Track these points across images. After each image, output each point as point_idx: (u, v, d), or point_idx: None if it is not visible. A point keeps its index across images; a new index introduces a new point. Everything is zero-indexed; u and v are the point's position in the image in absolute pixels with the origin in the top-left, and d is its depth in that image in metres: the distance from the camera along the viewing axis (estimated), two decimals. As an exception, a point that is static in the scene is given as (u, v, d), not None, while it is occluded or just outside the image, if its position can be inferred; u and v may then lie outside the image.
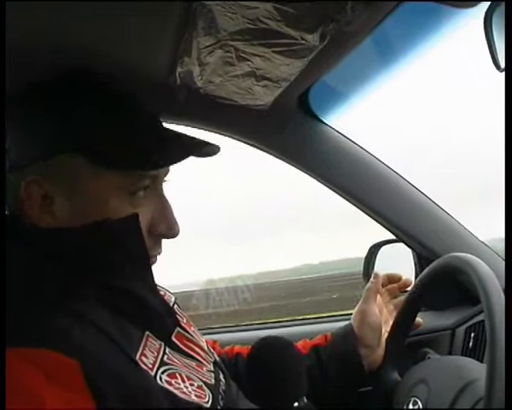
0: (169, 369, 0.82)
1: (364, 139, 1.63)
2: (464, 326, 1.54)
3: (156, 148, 0.87)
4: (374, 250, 1.79)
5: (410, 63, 1.32)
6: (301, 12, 0.93)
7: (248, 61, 1.10)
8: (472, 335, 1.46)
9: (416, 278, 1.60)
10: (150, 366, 0.79)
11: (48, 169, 0.84)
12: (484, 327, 1.36)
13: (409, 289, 1.36)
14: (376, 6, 0.98)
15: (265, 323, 2.01)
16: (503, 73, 0.82)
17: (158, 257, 0.94)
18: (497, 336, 0.88)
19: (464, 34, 1.16)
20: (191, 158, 0.89)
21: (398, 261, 1.75)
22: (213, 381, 0.91)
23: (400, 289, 1.41)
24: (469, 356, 1.38)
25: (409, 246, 1.68)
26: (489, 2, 0.86)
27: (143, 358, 0.79)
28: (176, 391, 0.79)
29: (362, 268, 1.80)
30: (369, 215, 1.61)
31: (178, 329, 0.94)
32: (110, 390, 0.69)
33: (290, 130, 1.52)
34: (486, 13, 0.86)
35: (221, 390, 0.92)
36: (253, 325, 2.00)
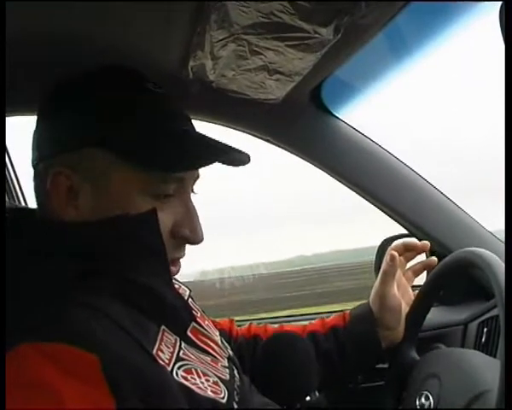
0: (185, 364, 0.82)
1: (376, 133, 1.63)
2: (477, 321, 1.53)
3: (180, 150, 0.87)
4: (386, 244, 1.79)
5: (422, 58, 1.31)
6: (315, 6, 0.92)
7: (261, 54, 1.10)
8: (485, 330, 1.46)
9: (428, 273, 1.60)
10: (167, 361, 0.79)
11: (74, 161, 0.85)
12: (497, 322, 1.35)
13: (421, 283, 1.35)
14: (389, 1, 0.98)
15: (276, 317, 2.02)
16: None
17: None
18: (512, 332, 0.88)
19: (477, 30, 1.16)
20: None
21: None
22: (228, 377, 0.91)
23: (418, 253, 1.39)
24: (482, 351, 1.37)
25: (421, 241, 1.67)
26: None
27: (160, 353, 0.79)
28: (192, 386, 0.79)
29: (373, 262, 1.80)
30: (381, 209, 1.61)
31: (194, 323, 0.94)
32: (128, 385, 0.68)
33: (302, 124, 1.52)
34: (502, 6, 0.85)
35: (236, 386, 0.92)
36: (264, 319, 2.00)
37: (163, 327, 0.84)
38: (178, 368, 0.80)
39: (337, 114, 1.54)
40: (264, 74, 1.19)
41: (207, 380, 0.83)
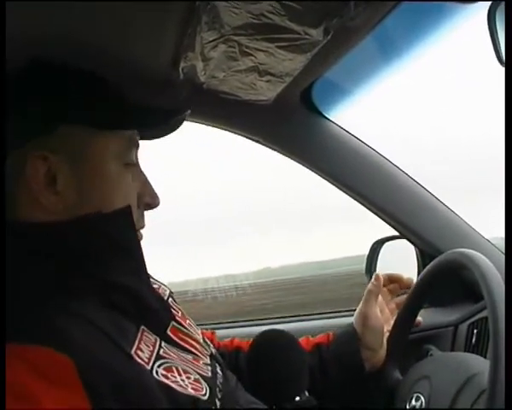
0: (165, 363, 0.82)
1: (367, 134, 1.63)
2: (467, 323, 1.54)
3: (138, 111, 0.94)
4: (376, 247, 1.79)
5: (412, 59, 1.32)
6: (305, 7, 0.92)
7: (252, 55, 1.10)
8: (475, 331, 1.46)
9: (418, 274, 1.61)
10: (146, 360, 0.79)
11: (52, 142, 0.86)
12: (487, 323, 1.36)
13: (410, 287, 1.36)
14: (379, 2, 0.98)
15: (264, 319, 2.01)
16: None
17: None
18: (501, 332, 0.88)
19: (467, 30, 1.16)
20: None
21: (401, 258, 1.75)
22: (210, 374, 0.91)
23: (402, 288, 1.41)
24: (472, 353, 1.38)
25: (411, 242, 1.68)
26: (492, -2, 0.86)
27: (139, 352, 0.79)
28: (172, 384, 0.79)
29: (364, 265, 1.81)
30: (371, 211, 1.61)
31: (173, 323, 0.94)
32: (105, 386, 0.68)
33: (293, 125, 1.52)
34: (490, 8, 0.86)
35: (218, 383, 0.92)
36: (251, 321, 2.00)
37: (142, 327, 0.84)
38: (158, 366, 0.80)
39: (327, 116, 1.55)
40: (255, 75, 1.19)
41: (188, 378, 0.83)
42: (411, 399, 1.11)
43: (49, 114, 0.87)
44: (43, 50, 1.04)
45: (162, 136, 1.01)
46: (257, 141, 1.53)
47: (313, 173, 1.57)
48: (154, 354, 0.82)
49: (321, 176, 1.57)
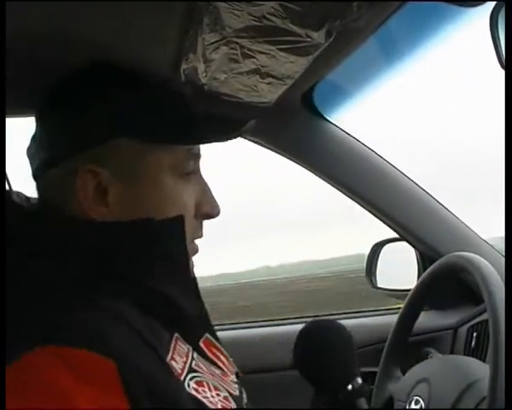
0: (197, 376, 0.80)
1: (368, 137, 1.63)
2: (467, 326, 1.54)
3: (199, 123, 0.89)
4: (377, 249, 1.79)
5: (414, 61, 1.32)
6: (307, 9, 0.92)
7: (253, 58, 1.09)
8: (474, 334, 1.46)
9: (418, 276, 1.61)
10: (179, 371, 0.77)
11: (101, 156, 0.82)
12: (487, 327, 1.36)
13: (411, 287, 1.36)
14: (382, 4, 0.98)
15: (265, 321, 2.01)
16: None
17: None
18: (501, 336, 0.88)
19: (469, 33, 1.16)
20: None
21: (401, 260, 1.75)
22: (238, 392, 0.89)
23: None
24: (472, 356, 1.38)
25: (412, 245, 1.68)
26: (495, 1, 0.86)
27: (173, 362, 0.77)
28: (203, 400, 0.77)
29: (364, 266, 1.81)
30: (372, 213, 1.61)
31: (207, 335, 0.93)
32: (143, 393, 0.67)
33: (294, 127, 1.52)
34: (492, 11, 0.86)
35: (244, 404, 0.90)
36: (254, 322, 2.00)
37: (176, 335, 0.83)
38: (190, 379, 0.78)
39: (329, 118, 1.55)
40: (257, 78, 1.19)
41: (218, 395, 0.80)
42: (411, 402, 1.11)
43: (103, 124, 0.84)
44: (44, 50, 1.05)
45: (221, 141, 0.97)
46: (258, 143, 1.53)
47: (314, 175, 1.57)
48: (187, 367, 0.80)
49: (322, 178, 1.57)
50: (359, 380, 0.90)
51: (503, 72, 0.82)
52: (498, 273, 1.00)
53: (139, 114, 0.85)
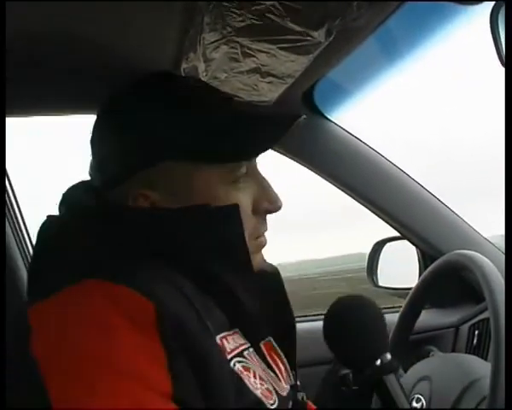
0: (244, 362, 0.80)
1: (368, 135, 1.63)
2: (468, 324, 1.54)
3: (248, 138, 0.88)
4: (378, 247, 1.79)
5: (414, 60, 1.32)
6: (307, 8, 0.92)
7: (253, 57, 1.10)
8: (476, 333, 1.46)
9: (420, 275, 1.61)
10: (228, 350, 0.77)
11: (152, 178, 0.84)
12: (488, 325, 1.36)
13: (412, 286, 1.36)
14: (382, 3, 0.98)
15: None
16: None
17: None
18: (502, 335, 0.88)
19: (469, 32, 1.16)
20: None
21: (403, 259, 1.75)
22: (285, 394, 0.88)
23: None
24: (473, 354, 1.38)
25: (413, 243, 1.68)
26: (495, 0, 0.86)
27: (224, 341, 0.78)
28: (244, 380, 0.77)
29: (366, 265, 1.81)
30: (373, 212, 1.61)
31: (271, 339, 0.93)
32: (180, 347, 0.68)
33: (294, 126, 1.52)
34: (493, 10, 0.86)
35: (289, 406, 0.89)
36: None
37: (236, 329, 0.83)
38: (238, 362, 0.78)
39: (329, 117, 1.55)
40: (257, 76, 1.19)
41: (262, 384, 0.80)
42: (412, 400, 1.11)
43: (152, 148, 0.85)
44: (44, 49, 1.05)
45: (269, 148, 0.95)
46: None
47: (315, 174, 1.57)
48: (237, 351, 0.80)
49: (322, 177, 1.57)
50: (388, 356, 0.89)
51: (503, 70, 0.82)
52: (499, 271, 1.00)
53: (187, 137, 0.85)
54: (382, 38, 1.18)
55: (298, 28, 0.98)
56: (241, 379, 0.76)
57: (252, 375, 0.79)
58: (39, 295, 0.73)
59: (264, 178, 0.92)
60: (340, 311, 0.94)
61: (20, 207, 1.79)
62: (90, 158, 0.91)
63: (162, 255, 0.80)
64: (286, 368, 0.94)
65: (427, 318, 1.62)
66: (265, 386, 0.81)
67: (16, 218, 1.74)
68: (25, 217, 1.80)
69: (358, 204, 1.62)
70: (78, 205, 0.87)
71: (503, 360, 0.85)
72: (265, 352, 0.89)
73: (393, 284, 1.76)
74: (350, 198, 1.61)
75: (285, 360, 0.94)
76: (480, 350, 1.40)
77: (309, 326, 1.70)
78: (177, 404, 0.65)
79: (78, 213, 0.85)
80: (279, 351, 0.94)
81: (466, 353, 1.48)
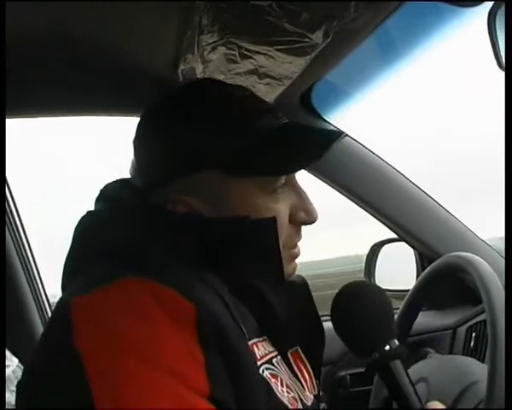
0: (273, 370, 0.81)
1: (366, 137, 1.63)
2: (465, 326, 1.54)
3: (288, 155, 0.88)
4: (376, 249, 1.79)
5: (412, 61, 1.32)
6: (305, 10, 0.92)
7: (251, 58, 1.10)
8: (473, 335, 1.46)
9: (417, 277, 1.60)
10: (258, 356, 0.79)
11: (192, 186, 0.84)
12: (485, 327, 1.36)
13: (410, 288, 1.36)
14: (379, 4, 0.98)
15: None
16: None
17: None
18: (499, 338, 0.88)
19: (467, 33, 1.16)
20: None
21: (400, 260, 1.75)
22: (310, 404, 0.88)
23: None
24: (470, 356, 1.38)
25: (410, 245, 1.68)
26: (492, 2, 0.86)
27: (255, 347, 0.79)
28: (272, 386, 0.78)
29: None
30: (371, 214, 1.61)
31: (298, 348, 0.93)
32: (216, 348, 0.69)
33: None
34: (490, 11, 0.86)
35: None
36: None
37: (265, 337, 0.84)
38: (266, 369, 0.79)
39: (327, 118, 1.55)
40: (255, 78, 1.19)
41: (288, 392, 0.81)
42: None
43: (192, 157, 0.85)
44: (44, 49, 1.05)
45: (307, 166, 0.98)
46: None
47: (312, 176, 1.57)
48: (266, 359, 0.81)
49: (320, 178, 1.57)
50: (396, 342, 0.88)
51: (500, 71, 0.82)
52: (497, 273, 1.00)
53: (227, 149, 0.85)
54: (380, 40, 1.18)
55: (295, 30, 0.98)
56: (269, 386, 0.77)
57: (279, 383, 0.80)
58: (79, 290, 0.74)
59: (302, 189, 0.92)
60: (348, 296, 0.93)
61: (19, 212, 1.80)
62: (132, 157, 0.91)
63: (203, 260, 0.81)
64: (311, 377, 0.94)
65: (425, 320, 1.62)
66: (292, 394, 0.82)
67: (16, 225, 1.74)
68: (24, 224, 1.80)
69: (355, 206, 1.62)
70: (121, 202, 0.88)
71: (499, 362, 0.85)
72: (292, 361, 0.90)
73: (391, 285, 1.76)
74: (347, 200, 1.61)
75: (310, 369, 0.95)
76: (477, 352, 1.40)
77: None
78: (214, 404, 0.66)
79: (121, 210, 0.86)
80: (305, 360, 0.94)
81: (463, 355, 1.47)
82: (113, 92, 1.29)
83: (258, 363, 0.78)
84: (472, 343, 1.45)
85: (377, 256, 1.78)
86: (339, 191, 1.59)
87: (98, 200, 0.90)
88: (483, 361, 1.19)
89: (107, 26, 1.02)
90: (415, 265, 1.70)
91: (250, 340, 0.78)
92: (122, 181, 0.93)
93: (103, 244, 0.82)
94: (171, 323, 0.68)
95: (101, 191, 0.91)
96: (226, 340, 0.71)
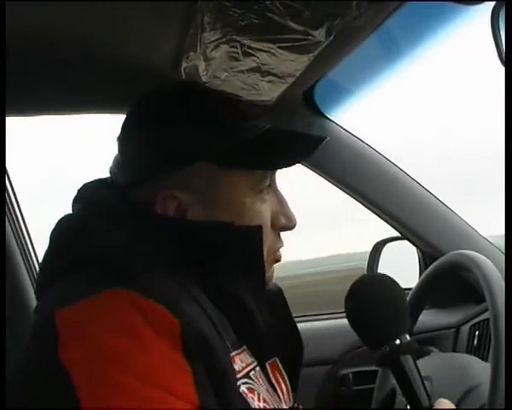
0: (250, 384, 0.81)
1: (368, 135, 1.63)
2: (469, 324, 1.54)
3: (278, 148, 0.89)
4: (378, 248, 1.79)
5: (414, 59, 1.31)
6: (307, 7, 0.92)
7: (254, 56, 1.09)
8: (476, 333, 1.46)
9: (420, 275, 1.60)
10: (236, 370, 0.78)
11: (181, 180, 0.84)
12: (489, 325, 1.36)
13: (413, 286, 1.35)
14: (381, 3, 0.98)
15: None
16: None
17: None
18: (502, 336, 0.88)
19: (470, 31, 1.16)
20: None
21: (403, 259, 1.75)
22: None
23: None
24: (474, 354, 1.38)
25: (413, 243, 1.67)
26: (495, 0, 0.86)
27: (233, 361, 0.79)
28: (249, 400, 0.78)
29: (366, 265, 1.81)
30: (373, 212, 1.61)
31: (277, 360, 0.94)
32: (200, 360, 0.70)
33: (295, 125, 1.52)
34: (494, 9, 0.85)
35: None
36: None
37: (245, 347, 0.84)
38: (243, 383, 0.79)
39: (330, 116, 1.55)
40: (257, 76, 1.19)
41: (265, 406, 0.81)
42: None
43: (182, 151, 0.85)
44: (44, 49, 1.05)
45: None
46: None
47: (314, 174, 1.57)
48: (244, 372, 0.81)
49: (323, 176, 1.57)
50: (407, 337, 0.88)
51: (503, 69, 0.82)
52: (499, 271, 1.00)
53: (216, 140, 0.85)
54: (383, 38, 1.18)
55: (298, 27, 0.98)
56: (245, 401, 0.77)
57: (256, 397, 0.80)
58: (63, 301, 0.73)
59: (281, 194, 0.93)
60: (363, 288, 0.93)
61: (20, 205, 1.80)
62: (115, 155, 0.90)
63: (187, 266, 0.81)
64: (288, 389, 0.94)
65: (428, 318, 1.61)
66: (268, 408, 0.82)
67: (16, 216, 1.74)
68: (24, 215, 1.80)
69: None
70: (103, 204, 0.86)
71: (502, 361, 0.85)
72: (270, 372, 0.90)
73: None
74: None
75: (287, 381, 0.95)
76: (480, 351, 1.40)
77: (308, 326, 1.70)
78: None
79: (103, 213, 0.85)
80: (283, 372, 0.95)
81: (466, 353, 1.47)
82: (114, 90, 1.29)
83: (237, 377, 0.78)
84: (475, 342, 1.45)
85: (380, 255, 1.78)
86: (341, 189, 1.59)
87: (76, 201, 0.89)
88: (486, 360, 1.18)
89: (108, 25, 1.02)
90: (417, 263, 1.70)
91: (231, 353, 0.79)
92: (101, 181, 0.92)
93: (85, 251, 0.81)
94: (157, 336, 0.68)
95: (79, 192, 0.89)
96: (210, 353, 0.71)
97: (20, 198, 1.81)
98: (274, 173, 0.92)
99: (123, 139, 0.90)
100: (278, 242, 0.93)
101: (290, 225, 0.92)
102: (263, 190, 0.88)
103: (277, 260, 0.93)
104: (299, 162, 0.94)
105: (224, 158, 0.85)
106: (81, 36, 1.03)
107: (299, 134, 0.96)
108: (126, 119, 0.91)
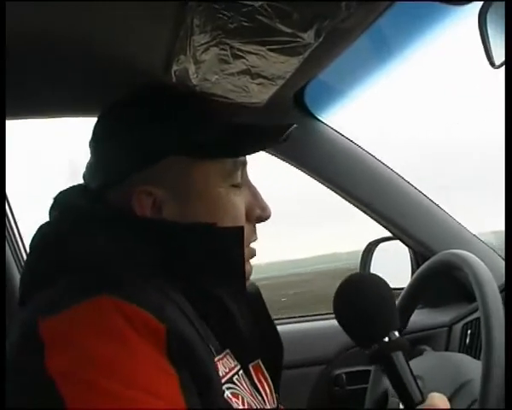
0: (234, 389, 0.81)
1: (359, 135, 1.64)
2: (461, 323, 1.54)
3: (244, 136, 0.92)
4: (371, 248, 1.80)
5: (404, 60, 1.32)
6: (296, 9, 0.93)
7: (243, 58, 1.10)
8: (469, 332, 1.46)
9: (412, 274, 1.61)
10: (220, 375, 0.79)
11: (154, 175, 0.85)
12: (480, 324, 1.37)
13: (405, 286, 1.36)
14: (371, 3, 0.99)
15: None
16: (496, 69, 0.82)
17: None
18: (493, 336, 0.88)
19: (459, 31, 1.17)
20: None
21: (395, 259, 1.76)
22: None
23: None
24: (466, 353, 1.38)
25: (405, 243, 1.68)
26: (482, 1, 0.86)
27: (217, 366, 0.79)
28: (234, 405, 0.79)
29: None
30: (364, 212, 1.61)
31: (259, 362, 0.94)
32: (184, 365, 0.71)
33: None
34: (481, 10, 0.86)
35: None
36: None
37: (227, 351, 0.85)
38: (227, 388, 0.79)
39: (321, 118, 1.55)
40: (247, 78, 1.19)
41: None
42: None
43: (153, 146, 0.86)
44: (44, 49, 1.05)
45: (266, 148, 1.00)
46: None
47: (305, 175, 1.58)
48: (228, 377, 0.81)
49: (314, 177, 1.57)
50: (396, 333, 0.88)
51: (491, 68, 0.82)
52: (490, 268, 1.00)
53: (186, 133, 0.87)
54: (373, 39, 1.19)
55: (287, 30, 0.98)
56: (230, 407, 0.78)
57: (240, 402, 0.81)
58: (47, 309, 0.73)
59: (254, 186, 0.94)
60: (351, 287, 0.94)
61: (13, 211, 1.79)
62: (88, 160, 0.91)
63: (163, 269, 0.82)
64: (271, 391, 0.95)
65: (420, 317, 1.62)
66: None
67: (9, 222, 1.74)
68: (17, 221, 1.80)
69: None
70: (80, 210, 0.87)
71: (493, 359, 0.86)
72: (253, 374, 0.91)
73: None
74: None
75: (271, 382, 0.96)
76: (472, 350, 1.41)
77: (302, 327, 1.70)
78: None
79: (81, 219, 0.85)
80: (266, 374, 0.95)
81: (459, 352, 1.48)
82: (106, 93, 1.29)
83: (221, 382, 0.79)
84: (467, 341, 1.45)
85: (372, 255, 1.79)
86: (333, 190, 1.59)
87: (53, 208, 0.89)
88: (479, 358, 1.19)
89: (98, 28, 1.01)
90: (409, 263, 1.71)
91: (215, 358, 0.79)
92: (77, 187, 0.93)
93: (66, 258, 0.81)
94: (143, 341, 0.69)
95: (56, 199, 0.90)
96: (195, 359, 0.72)
97: (12, 202, 1.81)
98: (245, 167, 0.93)
99: (95, 143, 0.91)
100: (253, 235, 0.94)
101: (265, 215, 0.93)
102: (236, 184, 0.89)
103: (253, 254, 0.94)
104: (267, 147, 1.02)
105: (195, 150, 0.86)
106: (71, 39, 1.03)
107: (268, 125, 0.97)
108: (98, 122, 0.92)
